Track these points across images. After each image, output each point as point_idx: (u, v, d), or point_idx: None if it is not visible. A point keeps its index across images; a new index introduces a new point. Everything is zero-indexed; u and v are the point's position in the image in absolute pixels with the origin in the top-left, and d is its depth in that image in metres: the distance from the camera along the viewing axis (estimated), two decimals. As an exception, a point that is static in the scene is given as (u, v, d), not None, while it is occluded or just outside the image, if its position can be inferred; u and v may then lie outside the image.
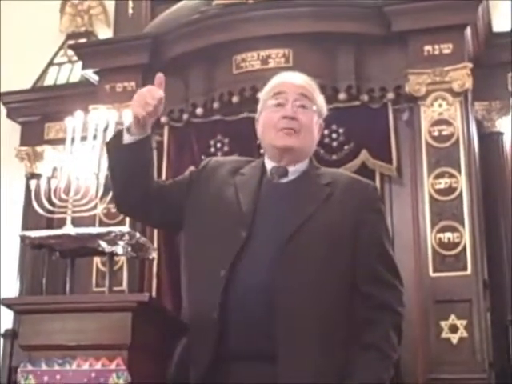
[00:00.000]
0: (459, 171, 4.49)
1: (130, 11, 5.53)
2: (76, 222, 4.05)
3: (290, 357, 1.85)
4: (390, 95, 4.77)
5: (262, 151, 2.24)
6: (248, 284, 1.89)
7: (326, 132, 4.81)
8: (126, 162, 2.03)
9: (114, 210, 4.98)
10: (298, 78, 2.13)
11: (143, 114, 1.96)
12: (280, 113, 2.05)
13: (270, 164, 2.09)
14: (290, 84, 2.09)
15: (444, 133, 4.58)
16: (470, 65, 4.63)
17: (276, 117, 2.05)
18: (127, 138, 2.02)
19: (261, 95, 2.18)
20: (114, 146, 2.06)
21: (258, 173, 2.08)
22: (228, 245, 1.94)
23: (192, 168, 5.00)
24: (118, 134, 2.05)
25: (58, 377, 2.02)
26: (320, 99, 2.13)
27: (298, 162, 2.08)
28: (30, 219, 5.43)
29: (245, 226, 1.95)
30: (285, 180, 2.06)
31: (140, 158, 2.03)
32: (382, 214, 2.11)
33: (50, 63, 6.19)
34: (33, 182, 4.27)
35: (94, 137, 4.00)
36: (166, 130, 5.18)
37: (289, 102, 2.05)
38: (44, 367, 2.04)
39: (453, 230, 4.39)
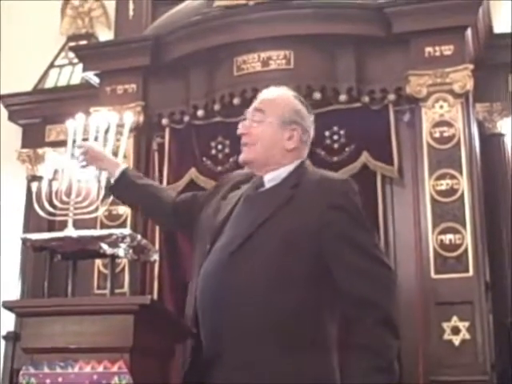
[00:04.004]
0: (460, 173, 4.49)
1: (131, 13, 5.53)
2: (77, 225, 4.03)
3: (232, 359, 1.90)
4: (391, 97, 4.78)
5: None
6: (203, 291, 1.99)
7: (326, 134, 4.82)
8: (127, 198, 2.51)
9: (115, 212, 5.01)
10: (263, 94, 2.16)
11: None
12: None
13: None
14: (255, 101, 2.16)
15: (445, 134, 4.58)
16: (471, 66, 4.63)
17: None
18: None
19: None
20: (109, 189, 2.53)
21: (246, 185, 2.16)
22: (198, 257, 2.08)
23: (193, 170, 5.09)
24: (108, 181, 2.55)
25: (59, 379, 2.02)
26: (283, 109, 2.10)
27: (273, 171, 2.08)
28: (31, 221, 5.43)
29: (211, 238, 2.05)
30: (261, 189, 2.09)
31: (132, 190, 2.42)
32: (345, 210, 1.96)
33: (51, 65, 6.20)
34: (34, 185, 4.25)
35: (96, 139, 3.99)
36: (167, 132, 5.19)
37: (248, 119, 2.13)
38: (46, 370, 2.04)
39: (454, 231, 4.39)
